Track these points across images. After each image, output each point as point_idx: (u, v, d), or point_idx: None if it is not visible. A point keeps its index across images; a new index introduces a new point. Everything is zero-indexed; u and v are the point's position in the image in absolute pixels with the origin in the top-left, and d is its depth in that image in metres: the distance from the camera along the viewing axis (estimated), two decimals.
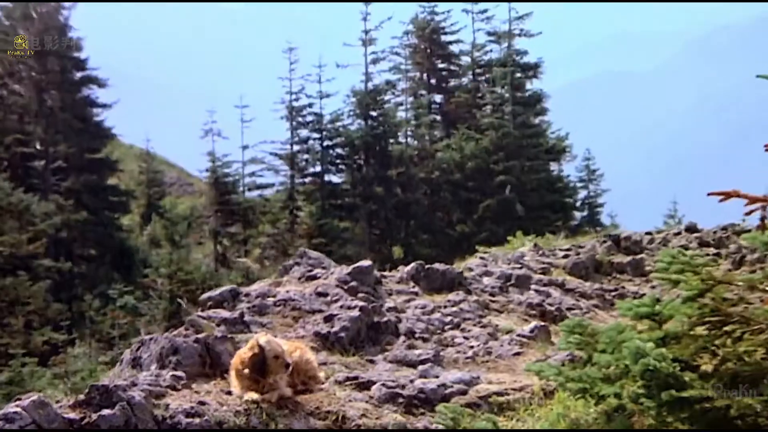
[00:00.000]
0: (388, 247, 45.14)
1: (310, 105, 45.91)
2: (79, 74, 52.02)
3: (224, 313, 10.34)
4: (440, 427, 8.44)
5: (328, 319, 10.55)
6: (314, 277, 12.02)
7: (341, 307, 10.81)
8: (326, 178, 46.29)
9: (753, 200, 8.25)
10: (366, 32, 45.73)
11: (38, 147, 50.22)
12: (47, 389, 19.39)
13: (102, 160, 51.39)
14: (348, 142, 45.23)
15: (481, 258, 14.93)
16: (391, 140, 46.64)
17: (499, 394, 9.30)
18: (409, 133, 49.79)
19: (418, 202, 45.19)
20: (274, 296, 11.27)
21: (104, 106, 52.67)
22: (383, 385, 9.03)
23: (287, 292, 11.42)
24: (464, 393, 9.21)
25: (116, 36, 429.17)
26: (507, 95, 45.64)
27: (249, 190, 47.84)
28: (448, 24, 51.45)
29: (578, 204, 52.66)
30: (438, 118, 51.50)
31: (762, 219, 8.08)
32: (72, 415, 7.55)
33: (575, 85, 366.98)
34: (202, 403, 8.18)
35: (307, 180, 46.55)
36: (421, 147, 49.14)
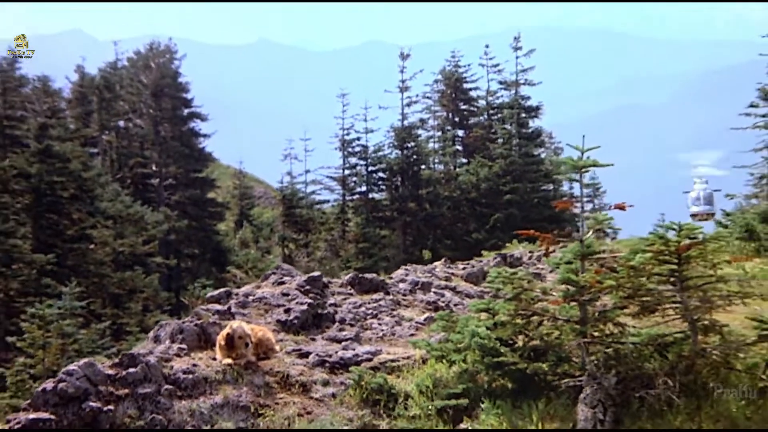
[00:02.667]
0: (419, 250, 45.18)
1: (358, 138, 46.75)
2: (186, 111, 53.24)
3: (218, 307, 11.92)
4: (351, 382, 10.40)
5: (287, 311, 12.08)
6: (282, 283, 13.49)
7: (296, 303, 12.31)
8: (370, 195, 46.76)
9: (543, 238, 10.24)
10: (402, 81, 46.43)
11: (154, 168, 51.75)
12: None
13: (203, 179, 52.53)
14: (388, 168, 45.76)
15: (405, 269, 16.28)
16: (422, 166, 47.00)
17: (393, 361, 10.91)
18: (436, 160, 50.00)
19: (443, 215, 45.51)
20: (254, 295, 12.79)
21: (205, 135, 53.91)
22: (317, 354, 10.82)
23: (263, 292, 12.94)
24: (370, 360, 10.81)
25: (222, 74, 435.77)
26: (514, 131, 46.17)
27: (310, 205, 48.44)
28: (468, 75, 51.88)
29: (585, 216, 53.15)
30: (460, 148, 51.61)
31: (546, 250, 9.98)
32: (110, 371, 9.41)
33: (596, 117, 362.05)
34: (195, 365, 9.96)
35: (355, 197, 47.08)
36: (445, 171, 49.35)
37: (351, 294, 13.83)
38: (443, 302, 14.06)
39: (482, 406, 9.56)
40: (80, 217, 37.54)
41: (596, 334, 9.64)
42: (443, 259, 18.36)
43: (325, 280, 13.86)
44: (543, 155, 48.40)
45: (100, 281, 35.60)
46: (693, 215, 23.26)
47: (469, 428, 9.43)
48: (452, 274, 16.61)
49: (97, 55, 63.32)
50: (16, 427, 8.67)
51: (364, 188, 47.02)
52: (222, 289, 13.07)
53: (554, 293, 9.91)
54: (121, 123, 55.41)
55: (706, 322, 9.27)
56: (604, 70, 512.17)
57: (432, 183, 46.37)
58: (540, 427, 8.99)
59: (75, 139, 43.54)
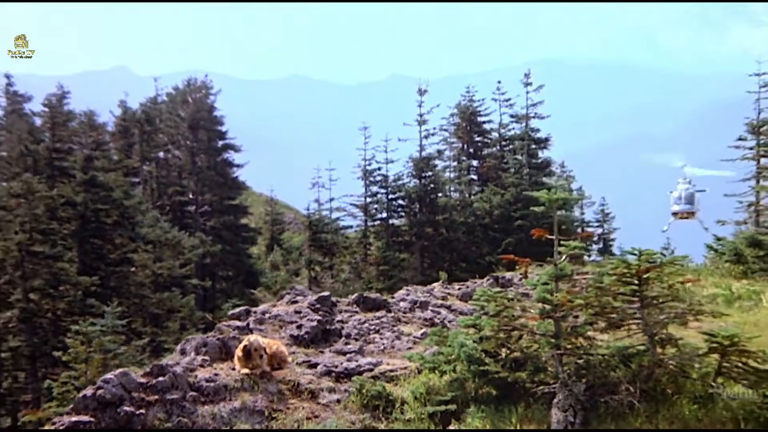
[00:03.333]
0: (436, 272, 45.47)
1: (379, 168, 46.46)
2: (221, 142, 53.71)
3: (238, 323, 12.60)
4: (353, 389, 11.06)
5: (299, 326, 12.75)
6: (296, 302, 14.13)
7: (307, 319, 12.97)
8: (390, 221, 46.49)
9: (522, 262, 10.92)
10: (420, 115, 46.20)
11: (191, 196, 52.44)
12: None
13: (237, 206, 53.07)
14: (407, 195, 45.61)
15: (406, 289, 16.89)
16: (439, 194, 46.94)
17: (391, 371, 11.58)
18: (452, 188, 49.93)
19: (458, 239, 45.34)
20: (270, 313, 13.44)
21: (239, 165, 54.45)
22: (324, 365, 11.50)
23: (278, 310, 13.59)
24: (371, 370, 11.47)
25: (255, 107, 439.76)
26: (524, 161, 46.44)
27: (335, 231, 48.34)
28: (482, 108, 51.79)
29: (595, 239, 52.97)
30: (474, 177, 51.57)
31: (524, 272, 10.66)
32: (142, 380, 10.17)
33: (606, 146, 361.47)
34: (216, 374, 10.68)
35: (376, 223, 46.89)
36: (461, 199, 49.21)
37: (356, 312, 14.46)
38: (439, 319, 14.67)
39: (469, 410, 10.25)
40: (122, 242, 38.51)
41: (569, 346, 10.29)
42: (441, 281, 18.92)
43: (333, 299, 14.52)
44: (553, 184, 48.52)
45: (140, 301, 36.48)
46: (674, 213, 23.58)
47: (457, 429, 10.09)
48: (449, 294, 17.20)
49: (138, 91, 64.49)
50: (60, 428, 9.43)
51: (384, 215, 46.98)
52: (242, 308, 13.74)
53: (532, 311, 10.56)
54: (161, 154, 56.46)
55: (663, 336, 9.91)
56: (615, 101, 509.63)
57: (448, 209, 46.44)
58: (519, 428, 9.67)
59: (118, 169, 44.32)
